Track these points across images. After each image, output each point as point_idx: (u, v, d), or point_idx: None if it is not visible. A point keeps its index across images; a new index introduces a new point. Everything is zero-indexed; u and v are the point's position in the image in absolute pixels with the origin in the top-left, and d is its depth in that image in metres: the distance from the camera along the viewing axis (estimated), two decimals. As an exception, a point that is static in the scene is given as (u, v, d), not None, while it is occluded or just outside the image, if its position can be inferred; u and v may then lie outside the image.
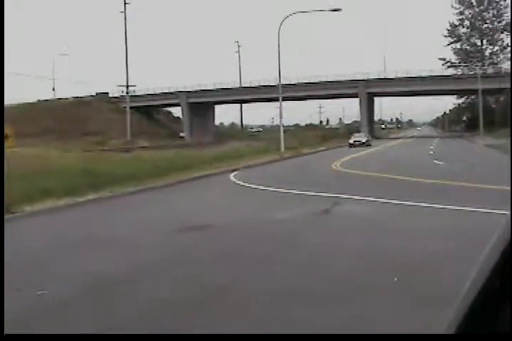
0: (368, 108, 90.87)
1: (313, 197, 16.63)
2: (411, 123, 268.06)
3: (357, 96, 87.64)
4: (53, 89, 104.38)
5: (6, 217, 12.58)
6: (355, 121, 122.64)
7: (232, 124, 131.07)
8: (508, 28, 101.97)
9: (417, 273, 7.46)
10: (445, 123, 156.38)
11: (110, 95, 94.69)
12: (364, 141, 59.73)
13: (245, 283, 7.35)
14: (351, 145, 57.33)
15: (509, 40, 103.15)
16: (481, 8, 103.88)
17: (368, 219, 12.39)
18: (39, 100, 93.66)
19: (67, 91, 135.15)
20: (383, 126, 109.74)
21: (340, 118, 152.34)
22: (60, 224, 13.32)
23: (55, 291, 7.11)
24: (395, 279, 7.11)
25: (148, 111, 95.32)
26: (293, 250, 9.39)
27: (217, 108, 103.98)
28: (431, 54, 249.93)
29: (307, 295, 6.61)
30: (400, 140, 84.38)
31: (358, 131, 77.77)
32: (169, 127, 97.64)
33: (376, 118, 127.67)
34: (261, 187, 19.74)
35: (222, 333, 5.42)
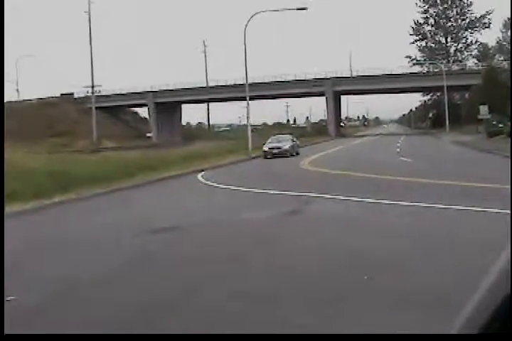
0: (335, 106, 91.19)
1: (280, 196, 16.63)
2: (378, 121, 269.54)
3: (324, 95, 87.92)
4: (17, 91, 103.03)
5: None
6: (322, 120, 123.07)
7: (200, 124, 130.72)
8: (472, 26, 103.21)
9: (383, 271, 7.47)
10: (411, 120, 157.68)
11: (76, 96, 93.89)
12: (287, 147, 39.25)
13: (213, 285, 7.30)
14: (266, 156, 38.43)
15: (472, 38, 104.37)
16: (445, 6, 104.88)
17: (334, 218, 12.45)
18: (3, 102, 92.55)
19: (32, 92, 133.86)
20: (342, 124, 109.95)
21: (307, 117, 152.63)
22: (27, 228, 13.18)
23: (28, 295, 7.04)
24: (365, 277, 7.11)
25: (115, 112, 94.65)
26: (261, 249, 9.35)
27: (184, 107, 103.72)
28: (397, 52, 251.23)
29: (275, 297, 6.59)
30: (367, 138, 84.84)
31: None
32: (136, 127, 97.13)
33: (343, 116, 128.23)
34: (229, 187, 19.72)
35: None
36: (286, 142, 40.37)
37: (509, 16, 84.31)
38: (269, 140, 41.64)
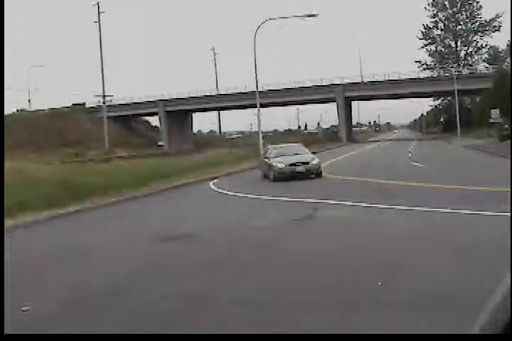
0: (346, 112, 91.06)
1: (293, 203, 16.66)
2: (389, 126, 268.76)
3: (335, 101, 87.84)
4: (29, 101, 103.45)
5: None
6: (333, 126, 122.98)
7: (211, 132, 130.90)
8: (482, 29, 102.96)
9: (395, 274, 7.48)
10: (422, 125, 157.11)
11: (87, 105, 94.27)
12: (316, 162, 26.03)
13: (227, 292, 7.32)
14: (279, 176, 25.19)
15: (482, 41, 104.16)
16: (454, 10, 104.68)
17: (347, 224, 12.45)
18: (14, 112, 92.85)
19: (44, 102, 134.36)
20: (360, 129, 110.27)
21: (318, 123, 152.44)
22: (42, 238, 13.25)
23: (43, 304, 7.09)
24: (379, 283, 7.12)
25: (126, 121, 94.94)
26: (275, 257, 9.36)
27: (196, 115, 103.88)
28: (407, 57, 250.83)
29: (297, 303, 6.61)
30: (378, 143, 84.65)
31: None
32: (148, 136, 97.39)
33: (354, 121, 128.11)
34: (241, 195, 19.74)
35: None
36: (307, 155, 27.03)
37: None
38: (271, 151, 27.96)
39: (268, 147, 30.36)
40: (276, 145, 30.24)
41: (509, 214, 10.23)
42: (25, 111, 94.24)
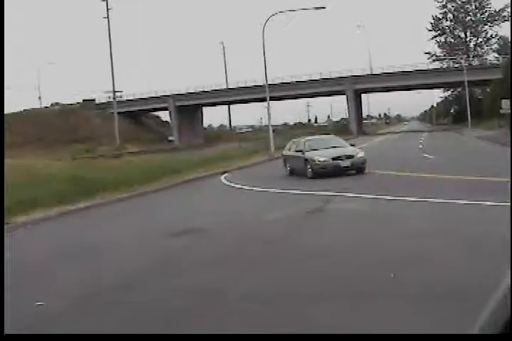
0: (356, 104, 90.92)
1: (304, 195, 16.63)
2: (399, 118, 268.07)
3: (344, 94, 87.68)
4: (39, 98, 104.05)
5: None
6: (343, 119, 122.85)
7: (221, 126, 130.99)
8: (491, 20, 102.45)
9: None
10: (433, 116, 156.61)
11: (97, 102, 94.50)
12: (361, 156, 23.02)
13: (238, 287, 7.28)
14: (318, 172, 22.43)
15: (492, 31, 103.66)
16: (463, 0, 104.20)
17: (360, 215, 12.44)
18: (24, 109, 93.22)
19: (55, 99, 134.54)
20: (371, 122, 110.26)
21: (328, 116, 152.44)
22: (53, 234, 13.26)
23: (55, 297, 7.13)
24: (392, 275, 7.07)
25: (137, 116, 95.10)
26: (289, 250, 9.33)
27: (206, 110, 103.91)
28: (416, 48, 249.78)
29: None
30: (389, 135, 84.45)
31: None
32: (158, 131, 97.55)
33: (364, 114, 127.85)
34: (253, 189, 19.72)
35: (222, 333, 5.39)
36: (350, 147, 24.21)
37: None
38: (305, 144, 24.48)
39: (298, 139, 26.62)
40: (311, 137, 27.58)
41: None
42: (36, 109, 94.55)
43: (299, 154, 23.66)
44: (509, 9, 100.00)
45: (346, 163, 22.18)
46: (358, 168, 22.47)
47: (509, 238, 6.29)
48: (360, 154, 22.87)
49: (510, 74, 50.37)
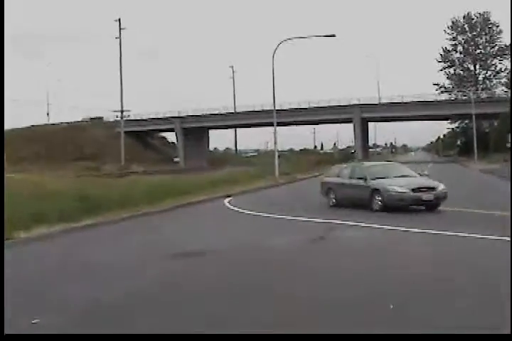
0: (362, 133, 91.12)
1: (307, 223, 16.60)
2: (405, 148, 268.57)
3: (351, 122, 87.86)
4: (47, 114, 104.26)
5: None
6: (349, 147, 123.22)
7: (227, 149, 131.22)
8: (501, 53, 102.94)
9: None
10: (439, 148, 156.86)
11: (104, 120, 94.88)
12: (442, 188, 19.68)
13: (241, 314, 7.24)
14: (391, 206, 19.10)
15: (502, 65, 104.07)
16: (474, 33, 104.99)
17: (362, 244, 12.47)
18: (32, 125, 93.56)
19: (63, 116, 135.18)
20: (376, 151, 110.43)
21: (334, 143, 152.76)
22: (56, 251, 13.20)
23: (52, 317, 7.05)
24: (391, 306, 7.04)
25: (143, 136, 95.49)
26: (290, 279, 9.27)
27: (212, 133, 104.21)
28: (425, 79, 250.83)
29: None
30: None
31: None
32: (163, 152, 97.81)
33: (370, 142, 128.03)
34: (255, 214, 19.66)
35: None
36: (426, 178, 21.59)
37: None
38: (364, 170, 21.57)
39: (349, 165, 24.93)
40: (369, 163, 24.88)
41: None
42: (43, 125, 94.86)
43: (360, 182, 20.58)
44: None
45: (429, 196, 18.93)
46: (437, 204, 19.23)
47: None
48: (441, 187, 19.59)
49: (510, 87, 50.51)
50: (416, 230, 13.96)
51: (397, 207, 18.84)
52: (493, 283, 8.17)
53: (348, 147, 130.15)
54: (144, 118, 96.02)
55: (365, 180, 20.33)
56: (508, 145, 54.40)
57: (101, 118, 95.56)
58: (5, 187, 14.34)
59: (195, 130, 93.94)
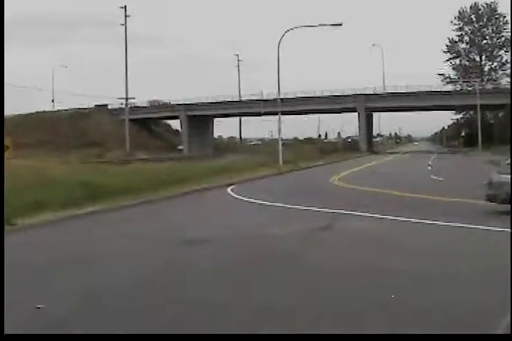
0: (367, 123, 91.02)
1: (310, 212, 16.61)
2: (409, 138, 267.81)
3: (356, 111, 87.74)
4: (52, 101, 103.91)
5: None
6: (349, 136, 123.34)
7: (231, 137, 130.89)
8: (507, 45, 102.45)
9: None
10: (443, 138, 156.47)
11: (109, 107, 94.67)
12: None
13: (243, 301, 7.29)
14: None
15: (507, 56, 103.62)
16: (481, 24, 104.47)
17: (364, 235, 12.46)
18: (37, 111, 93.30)
19: (67, 103, 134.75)
20: (380, 140, 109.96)
21: (338, 133, 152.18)
22: (58, 238, 13.23)
23: (57, 304, 7.09)
24: (392, 296, 7.09)
25: (148, 124, 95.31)
26: (292, 268, 9.32)
27: (217, 121, 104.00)
28: (430, 69, 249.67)
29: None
30: (398, 155, 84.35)
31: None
32: (168, 140, 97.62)
33: (375, 132, 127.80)
34: (258, 202, 19.68)
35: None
36: None
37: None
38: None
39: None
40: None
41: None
42: (48, 112, 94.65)
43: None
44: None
45: None
46: None
47: None
48: None
49: (510, 84, 50.38)
50: None
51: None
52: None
53: (348, 137, 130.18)
54: (149, 105, 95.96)
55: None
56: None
57: (106, 105, 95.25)
58: (5, 174, 14.32)
59: (200, 118, 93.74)
